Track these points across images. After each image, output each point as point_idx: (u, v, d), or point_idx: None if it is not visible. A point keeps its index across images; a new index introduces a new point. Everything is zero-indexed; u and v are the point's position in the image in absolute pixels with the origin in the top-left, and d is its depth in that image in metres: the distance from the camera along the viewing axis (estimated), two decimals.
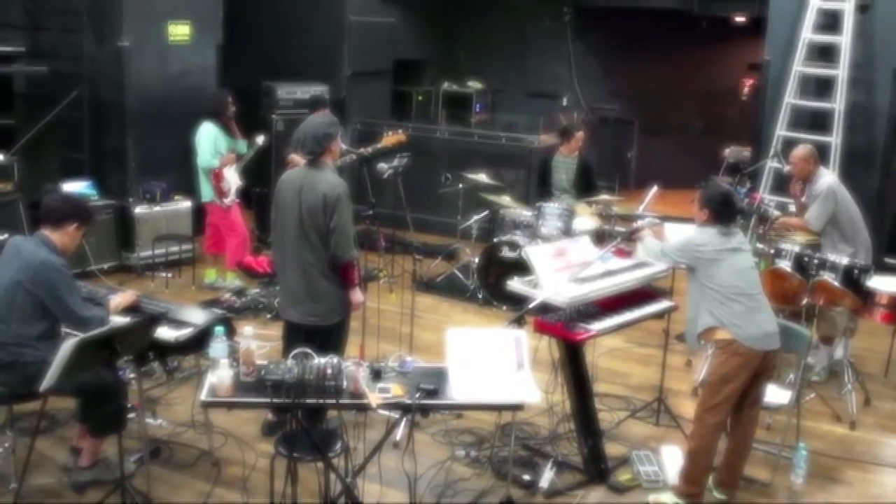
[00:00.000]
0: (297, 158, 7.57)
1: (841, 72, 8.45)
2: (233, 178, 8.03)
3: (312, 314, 5.15)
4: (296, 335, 5.12)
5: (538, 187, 8.54)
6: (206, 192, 8.03)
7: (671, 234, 5.18)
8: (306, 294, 5.14)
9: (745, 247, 4.91)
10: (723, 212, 4.84)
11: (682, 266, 5.06)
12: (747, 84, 12.50)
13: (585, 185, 8.38)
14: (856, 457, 5.65)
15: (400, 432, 5.23)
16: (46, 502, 4.75)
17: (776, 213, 6.96)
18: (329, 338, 5.08)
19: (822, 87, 8.68)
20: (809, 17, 8.67)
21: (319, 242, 5.04)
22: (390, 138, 8.08)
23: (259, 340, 4.37)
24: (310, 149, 5.10)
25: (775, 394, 5.34)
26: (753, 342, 4.71)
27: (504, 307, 7.85)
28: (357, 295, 5.27)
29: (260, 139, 8.16)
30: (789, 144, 8.34)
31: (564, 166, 8.42)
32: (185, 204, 8.87)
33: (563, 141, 8.48)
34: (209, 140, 7.87)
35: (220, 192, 7.96)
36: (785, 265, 6.25)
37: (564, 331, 4.93)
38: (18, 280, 4.49)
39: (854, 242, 6.45)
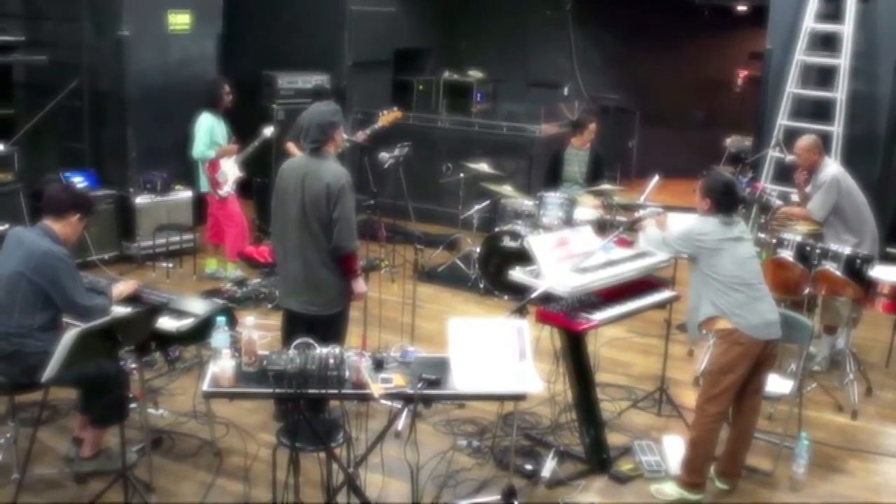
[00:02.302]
0: (294, 148, 7.57)
1: (843, 61, 8.42)
2: (231, 170, 7.99)
3: (313, 304, 5.13)
4: (296, 325, 5.11)
5: (547, 180, 8.52)
6: (204, 182, 8.02)
7: (673, 224, 5.17)
8: (306, 283, 5.12)
9: (746, 236, 4.90)
10: (724, 201, 4.83)
11: (683, 256, 5.06)
12: (741, 75, 12.44)
13: (595, 177, 8.37)
14: (857, 446, 5.66)
15: (402, 422, 5.23)
16: (48, 493, 4.74)
17: (778, 202, 6.95)
18: (329, 328, 5.06)
19: (824, 76, 8.66)
20: (811, 7, 8.65)
21: (321, 232, 5.02)
22: (387, 117, 8.06)
23: (260, 330, 4.35)
24: (314, 137, 5.07)
25: (777, 383, 5.34)
26: (754, 332, 4.70)
27: (505, 297, 7.86)
28: (359, 285, 5.25)
29: (268, 131, 8.11)
30: (791, 134, 8.34)
31: (577, 159, 8.40)
32: (185, 194, 8.86)
33: (575, 133, 8.46)
34: (205, 131, 7.84)
35: (215, 184, 7.93)
36: (787, 255, 6.24)
37: (566, 320, 4.93)
38: (21, 270, 4.48)
39: (859, 233, 6.43)
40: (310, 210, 5.00)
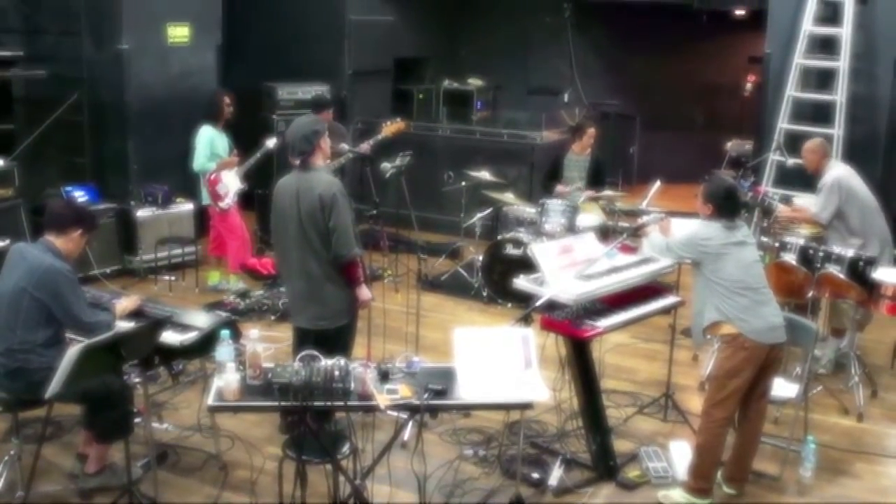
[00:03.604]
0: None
1: (842, 63, 8.43)
2: (232, 182, 7.98)
3: (320, 318, 5.12)
4: (305, 340, 5.09)
5: (546, 181, 8.50)
6: (206, 195, 8.01)
7: (677, 230, 5.16)
8: (311, 298, 5.11)
9: (749, 240, 4.90)
10: (726, 206, 4.82)
11: (687, 261, 5.05)
12: (751, 79, 12.29)
13: (596, 182, 8.36)
14: (864, 449, 5.64)
15: (408, 433, 5.22)
16: None
17: (780, 205, 6.94)
18: (337, 340, 5.04)
19: (824, 79, 8.67)
20: (810, 10, 8.65)
21: (321, 244, 5.01)
22: (390, 128, 8.06)
23: (265, 342, 4.34)
24: (301, 150, 5.06)
25: (782, 387, 5.33)
26: (759, 336, 4.69)
27: (509, 304, 7.85)
28: (364, 292, 5.24)
29: (271, 142, 8.09)
30: (792, 137, 8.34)
31: (577, 165, 8.38)
32: (187, 206, 8.86)
33: (574, 138, 8.46)
34: (205, 143, 7.85)
35: (215, 196, 7.93)
36: (790, 258, 6.24)
37: (571, 328, 4.92)
38: (23, 286, 4.48)
39: (865, 235, 6.42)
40: (307, 224, 4.99)
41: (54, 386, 4.02)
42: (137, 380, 5.42)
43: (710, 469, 4.86)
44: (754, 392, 4.86)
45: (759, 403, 4.94)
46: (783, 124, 8.66)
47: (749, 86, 10.68)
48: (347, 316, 5.20)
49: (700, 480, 4.85)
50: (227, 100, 8.00)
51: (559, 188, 8.23)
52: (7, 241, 6.74)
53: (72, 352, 3.97)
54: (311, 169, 5.08)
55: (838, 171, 6.58)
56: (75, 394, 4.43)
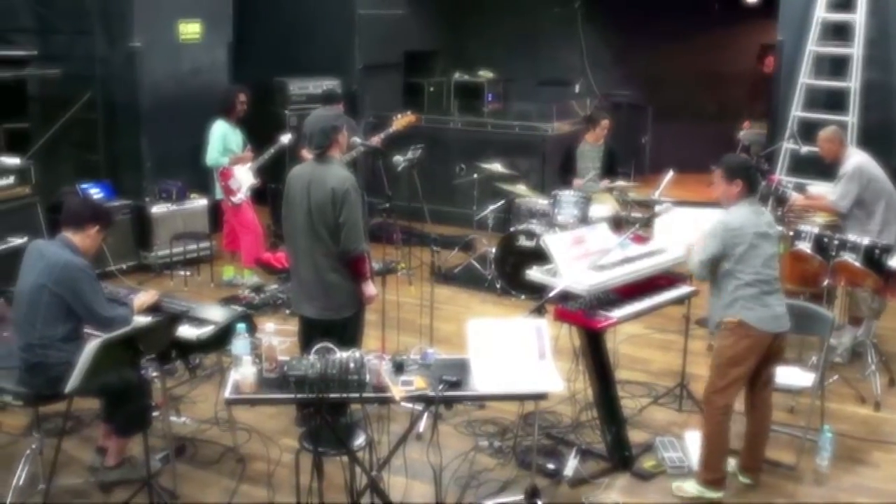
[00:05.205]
0: (308, 154, 7.61)
1: (856, 50, 8.37)
2: (245, 177, 8.01)
3: (325, 308, 5.16)
4: (311, 330, 5.14)
5: (561, 174, 8.50)
6: (219, 190, 8.05)
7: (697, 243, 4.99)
8: (318, 288, 5.15)
9: (772, 230, 4.77)
10: (753, 178, 4.75)
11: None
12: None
13: (609, 172, 8.36)
14: (881, 438, 5.62)
15: (423, 424, 5.24)
16: (74, 502, 4.78)
17: (794, 194, 6.91)
18: (344, 331, 5.08)
19: (837, 66, 8.61)
20: None
21: (328, 237, 5.04)
22: (400, 121, 8.07)
23: (280, 336, 4.38)
24: (318, 143, 5.11)
25: (798, 376, 5.32)
26: (763, 324, 4.66)
27: (522, 296, 7.85)
28: (370, 288, 5.26)
29: (285, 138, 8.12)
30: (805, 125, 8.30)
31: (591, 154, 8.37)
32: (201, 202, 8.91)
33: (588, 128, 8.45)
34: (218, 138, 7.87)
35: (228, 191, 7.96)
36: (805, 246, 6.21)
37: (585, 319, 4.92)
38: (43, 282, 4.52)
39: (885, 222, 6.36)
40: (316, 216, 5.02)
41: (73, 380, 4.05)
42: (155, 374, 5.46)
43: (718, 459, 4.83)
44: (758, 381, 4.85)
45: (763, 392, 4.93)
46: (797, 112, 8.61)
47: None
48: (353, 307, 5.23)
49: (709, 471, 4.83)
50: (242, 97, 8.01)
51: (576, 182, 8.23)
52: (25, 239, 6.79)
53: (90, 347, 4.00)
54: (326, 161, 5.11)
55: (858, 159, 6.52)
56: (94, 388, 4.47)
